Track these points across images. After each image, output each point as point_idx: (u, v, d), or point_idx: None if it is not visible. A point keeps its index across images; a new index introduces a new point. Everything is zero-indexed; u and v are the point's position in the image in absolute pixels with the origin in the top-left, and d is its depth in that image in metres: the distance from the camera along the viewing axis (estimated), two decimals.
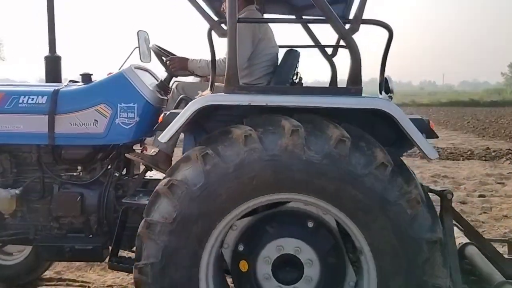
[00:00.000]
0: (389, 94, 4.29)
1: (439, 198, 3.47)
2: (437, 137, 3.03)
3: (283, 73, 3.70)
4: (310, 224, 2.98)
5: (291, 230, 2.99)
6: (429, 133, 2.92)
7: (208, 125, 3.10)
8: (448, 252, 3.58)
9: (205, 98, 2.92)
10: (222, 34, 2.98)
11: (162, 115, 3.08)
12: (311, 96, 2.92)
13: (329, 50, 4.28)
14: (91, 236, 3.66)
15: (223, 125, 2.92)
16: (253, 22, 3.05)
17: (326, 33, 4.28)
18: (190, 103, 2.91)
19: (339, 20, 2.94)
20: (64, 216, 3.65)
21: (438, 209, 3.25)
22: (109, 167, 3.75)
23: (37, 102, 3.60)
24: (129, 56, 4.01)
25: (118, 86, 3.62)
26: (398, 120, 2.78)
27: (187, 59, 3.80)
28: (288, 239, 2.96)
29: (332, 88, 3.49)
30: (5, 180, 3.71)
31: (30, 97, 3.61)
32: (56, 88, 3.68)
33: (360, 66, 2.92)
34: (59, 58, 4.37)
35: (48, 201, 3.69)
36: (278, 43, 3.94)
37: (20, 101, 3.60)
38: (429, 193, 3.80)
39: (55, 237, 3.67)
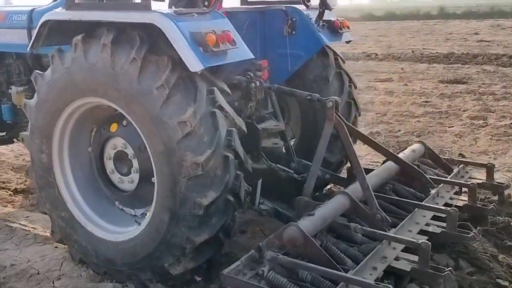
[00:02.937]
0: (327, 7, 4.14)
1: None
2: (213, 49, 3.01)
3: None
4: (125, 123, 3.45)
5: (118, 131, 3.51)
6: (205, 46, 2.98)
7: None
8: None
9: (46, 14, 3.51)
10: None
11: None
12: (111, 12, 3.27)
13: None
14: None
15: None
16: None
17: None
18: None
19: None
20: None
21: None
22: None
23: (21, 19, 4.57)
24: None
25: None
26: (165, 32, 2.97)
27: None
28: (117, 138, 3.54)
29: (132, 4, 3.66)
30: (20, 80, 4.87)
31: (18, 15, 4.60)
32: (33, 7, 4.58)
33: None
34: None
35: None
36: None
37: (13, 18, 4.64)
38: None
39: None
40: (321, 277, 2.69)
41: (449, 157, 4.50)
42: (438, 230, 3.39)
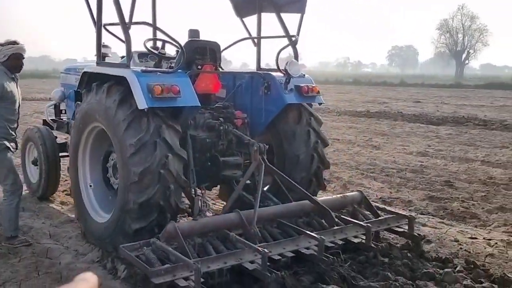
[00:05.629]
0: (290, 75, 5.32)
1: None
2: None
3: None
4: None
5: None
6: (152, 93, 4.33)
7: None
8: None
9: (85, 68, 5.37)
10: None
11: None
12: (110, 68, 4.96)
13: None
14: None
15: None
16: None
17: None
18: None
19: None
20: None
21: None
22: None
23: None
24: None
25: None
26: (129, 83, 4.46)
27: None
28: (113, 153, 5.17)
29: (124, 64, 4.94)
30: None
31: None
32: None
33: (130, 50, 4.76)
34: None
35: None
36: None
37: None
38: None
39: None
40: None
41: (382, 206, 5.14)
42: (308, 252, 4.25)
